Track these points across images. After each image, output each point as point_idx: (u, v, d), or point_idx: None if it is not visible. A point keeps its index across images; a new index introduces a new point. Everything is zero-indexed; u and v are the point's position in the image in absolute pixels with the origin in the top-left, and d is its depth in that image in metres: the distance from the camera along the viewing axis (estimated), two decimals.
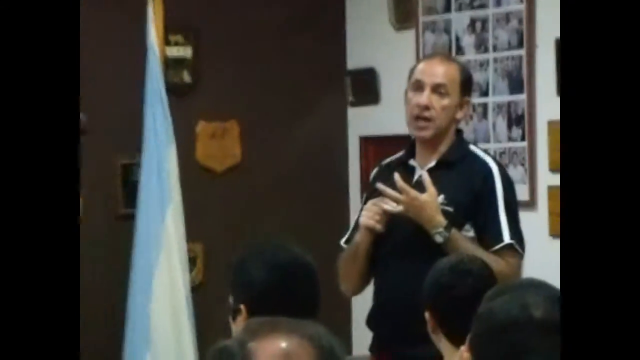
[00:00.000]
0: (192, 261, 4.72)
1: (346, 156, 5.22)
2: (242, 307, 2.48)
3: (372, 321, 3.39)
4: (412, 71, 3.35)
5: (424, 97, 3.25)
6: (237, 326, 2.46)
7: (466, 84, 3.33)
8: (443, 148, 3.30)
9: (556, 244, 4.39)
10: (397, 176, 3.23)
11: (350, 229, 3.46)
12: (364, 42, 5.14)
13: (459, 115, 3.32)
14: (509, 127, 4.58)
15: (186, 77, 4.95)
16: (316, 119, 5.14)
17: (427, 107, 3.25)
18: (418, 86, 3.28)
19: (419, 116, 3.26)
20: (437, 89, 3.26)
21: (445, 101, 3.27)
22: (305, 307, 2.38)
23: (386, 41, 5.00)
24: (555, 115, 4.41)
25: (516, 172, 4.48)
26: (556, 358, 1.69)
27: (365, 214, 3.28)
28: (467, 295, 2.61)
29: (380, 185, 3.26)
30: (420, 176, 3.27)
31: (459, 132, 3.38)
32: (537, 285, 1.89)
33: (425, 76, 3.28)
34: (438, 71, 3.28)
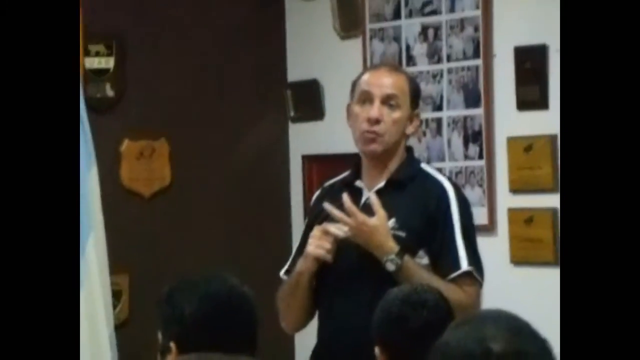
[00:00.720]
0: (116, 295, 4.67)
1: (287, 176, 5.22)
2: (171, 344, 2.46)
3: (316, 359, 3.38)
4: (356, 83, 3.36)
5: (375, 110, 3.26)
6: None
7: (415, 96, 3.35)
8: (392, 167, 3.31)
9: (518, 271, 4.43)
10: (345, 197, 3.23)
11: (291, 258, 3.44)
12: (306, 51, 5.15)
13: (409, 130, 3.33)
14: (465, 144, 4.61)
15: (109, 90, 4.91)
16: (254, 136, 5.14)
17: (377, 121, 3.25)
18: (366, 98, 3.29)
19: (368, 130, 3.27)
20: (387, 100, 3.28)
21: (396, 114, 3.28)
22: (242, 343, 2.37)
23: (330, 51, 5.02)
24: (515, 131, 4.46)
25: (474, 194, 4.51)
26: None
27: (312, 242, 3.27)
28: (421, 329, 2.62)
29: (327, 205, 3.26)
30: (368, 198, 3.27)
31: (409, 149, 3.39)
32: (497, 316, 1.90)
33: (374, 87, 3.29)
34: (387, 82, 3.29)
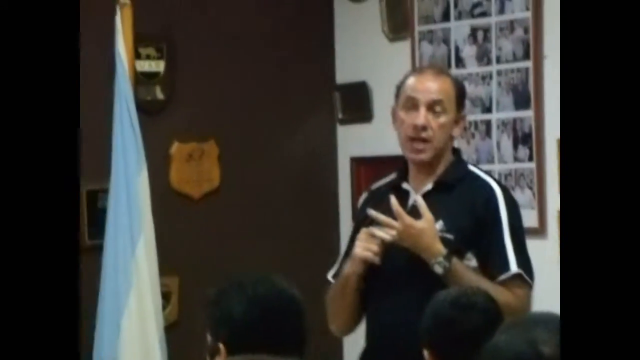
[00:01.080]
0: (165, 297, 4.70)
1: (336, 179, 5.22)
2: (220, 345, 2.48)
3: None
4: (400, 87, 3.34)
5: (421, 117, 3.24)
6: None
7: (461, 98, 3.33)
8: (440, 169, 3.30)
9: None
10: (393, 199, 3.22)
11: (339, 261, 3.44)
12: (355, 53, 5.15)
13: (456, 132, 3.32)
14: (515, 146, 4.59)
15: (159, 93, 4.94)
16: (303, 138, 5.15)
17: (424, 128, 3.24)
18: (412, 105, 3.27)
19: (415, 138, 3.25)
20: (432, 106, 3.26)
21: (442, 119, 3.26)
22: (291, 345, 2.37)
23: (379, 53, 5.02)
24: None
25: (523, 196, 4.49)
26: None
27: (360, 244, 3.26)
28: (470, 332, 2.61)
29: (371, 211, 3.25)
30: (415, 201, 3.26)
31: (456, 151, 3.37)
32: (547, 320, 1.89)
33: (419, 93, 3.27)
34: (432, 87, 3.27)
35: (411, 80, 3.32)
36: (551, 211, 4.48)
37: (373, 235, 3.24)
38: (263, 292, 2.51)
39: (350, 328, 3.42)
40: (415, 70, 3.38)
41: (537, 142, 4.52)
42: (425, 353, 2.71)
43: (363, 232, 3.27)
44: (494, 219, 3.23)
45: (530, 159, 4.54)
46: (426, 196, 3.27)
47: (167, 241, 4.62)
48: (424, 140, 3.25)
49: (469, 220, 3.24)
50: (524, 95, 4.56)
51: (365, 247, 3.25)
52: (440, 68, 3.43)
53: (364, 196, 3.50)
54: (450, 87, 3.30)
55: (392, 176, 3.41)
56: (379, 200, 3.31)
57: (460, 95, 3.33)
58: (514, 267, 3.21)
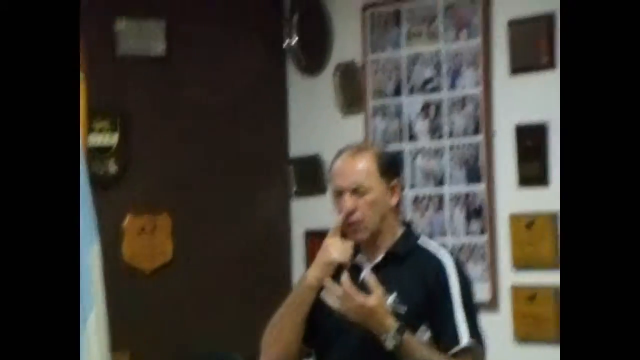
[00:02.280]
0: None
1: (290, 252, 5.20)
2: None
3: None
4: (330, 170, 3.36)
5: (347, 203, 3.26)
6: None
7: (388, 168, 3.33)
8: (389, 241, 3.30)
9: (522, 349, 4.37)
10: (344, 279, 3.19)
11: None
12: (308, 127, 5.16)
13: (393, 201, 3.31)
14: (468, 219, 4.60)
15: (112, 166, 4.91)
16: (257, 211, 5.12)
17: (351, 212, 3.26)
18: (338, 193, 3.31)
19: (348, 223, 3.27)
20: (356, 190, 3.27)
21: (369, 197, 3.28)
22: None
23: (332, 126, 5.03)
24: (517, 207, 4.44)
25: (476, 269, 4.48)
26: None
27: (333, 249, 3.24)
28: None
29: (323, 296, 3.22)
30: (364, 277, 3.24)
31: (408, 224, 3.37)
32: None
33: (340, 180, 3.30)
34: (350, 171, 3.29)
35: (334, 167, 3.35)
36: (503, 285, 4.47)
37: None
38: None
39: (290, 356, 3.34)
40: (338, 152, 3.38)
41: (489, 216, 4.53)
42: None
43: (333, 235, 3.24)
44: (445, 291, 3.22)
45: (483, 232, 4.54)
46: (377, 268, 3.27)
47: (119, 316, 4.54)
48: (357, 223, 3.25)
49: (421, 293, 3.23)
50: (476, 170, 4.57)
51: (342, 252, 3.24)
52: (358, 146, 3.42)
53: None
54: (371, 164, 3.30)
55: None
56: (333, 273, 3.29)
57: (386, 166, 3.33)
58: (465, 340, 3.20)
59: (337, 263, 3.25)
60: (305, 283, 3.28)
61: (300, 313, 3.28)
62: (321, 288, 3.25)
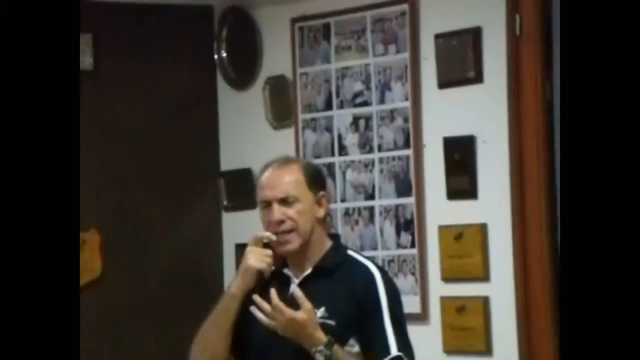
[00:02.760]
0: None
1: (221, 266, 5.17)
2: None
3: None
4: (257, 183, 3.36)
5: (275, 214, 3.27)
6: None
7: (314, 181, 3.34)
8: (317, 254, 3.31)
9: None
10: (273, 294, 3.19)
11: None
12: (239, 141, 5.15)
13: (320, 213, 3.32)
14: (398, 232, 4.62)
15: None
16: (188, 225, 5.10)
17: (281, 221, 3.25)
18: (266, 204, 3.31)
19: (275, 232, 3.27)
20: (284, 200, 3.28)
21: (298, 207, 3.29)
22: None
23: (263, 140, 5.02)
24: (446, 219, 4.46)
25: (406, 282, 4.50)
26: None
27: (252, 257, 3.25)
28: None
29: (257, 298, 3.21)
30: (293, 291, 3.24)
31: (335, 236, 3.38)
32: None
33: (268, 192, 3.31)
34: (278, 182, 3.30)
35: (261, 180, 3.36)
36: (433, 297, 4.49)
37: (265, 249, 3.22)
38: None
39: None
40: (264, 166, 3.39)
41: (418, 229, 4.55)
42: None
43: (253, 244, 3.24)
44: (374, 304, 3.24)
45: (413, 245, 4.55)
46: (306, 281, 3.28)
47: None
48: (287, 232, 3.25)
49: (350, 306, 3.25)
50: (405, 183, 4.59)
51: (260, 259, 3.23)
52: (285, 159, 3.44)
53: None
54: (298, 175, 3.32)
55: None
56: (262, 286, 3.28)
57: (313, 178, 3.34)
58: (394, 351, 3.23)
59: (256, 270, 3.25)
60: (228, 293, 3.29)
61: (225, 322, 3.28)
62: (246, 298, 3.25)
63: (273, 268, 3.26)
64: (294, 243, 3.27)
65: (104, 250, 4.94)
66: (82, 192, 4.85)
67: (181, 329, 4.96)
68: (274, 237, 3.23)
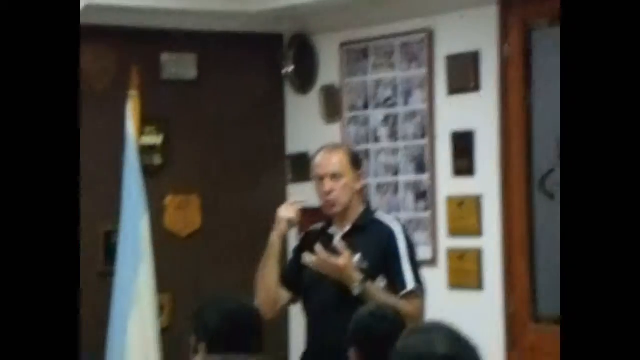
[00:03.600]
0: (160, 309, 4.63)
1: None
2: (201, 345, 2.44)
3: (305, 359, 3.35)
4: (312, 162, 3.38)
5: (326, 186, 3.29)
6: None
7: (355, 162, 3.37)
8: (354, 216, 3.34)
9: (454, 294, 4.40)
10: (318, 248, 3.24)
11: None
12: (301, 132, 5.16)
13: (357, 186, 3.35)
14: (416, 200, 4.61)
15: (157, 159, 4.92)
16: (263, 193, 5.13)
17: (329, 193, 3.27)
18: (319, 178, 3.33)
19: (326, 200, 3.29)
20: (332, 176, 3.29)
21: (342, 182, 3.32)
22: (252, 346, 2.35)
23: (318, 131, 5.02)
24: (452, 191, 4.46)
25: (421, 236, 4.50)
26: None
27: (283, 208, 3.31)
28: (384, 336, 2.60)
29: (305, 258, 3.24)
30: (336, 242, 3.28)
31: (367, 202, 3.41)
32: (440, 327, 1.89)
33: (321, 168, 3.34)
34: (329, 162, 3.33)
35: (317, 159, 3.39)
36: (442, 248, 4.48)
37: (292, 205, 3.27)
38: (232, 307, 2.50)
39: (274, 302, 3.34)
40: (318, 150, 3.42)
41: (431, 198, 4.53)
42: (351, 353, 2.69)
43: (285, 203, 3.32)
44: (395, 250, 3.27)
45: (426, 210, 4.54)
46: (345, 236, 3.31)
47: (162, 267, 4.56)
48: (333, 201, 3.26)
49: (378, 253, 3.28)
50: (422, 164, 4.58)
51: (287, 211, 3.31)
52: (334, 145, 3.47)
53: (302, 236, 3.52)
54: (343, 157, 3.35)
55: (322, 223, 3.42)
56: (312, 240, 3.33)
57: (354, 160, 3.38)
58: (410, 285, 3.25)
59: (286, 218, 3.27)
60: (270, 241, 3.32)
61: (271, 261, 3.32)
62: (299, 251, 3.25)
63: (298, 219, 3.27)
64: (337, 207, 3.31)
65: (203, 210, 4.97)
66: (188, 168, 4.96)
67: (256, 270, 5.00)
68: (300, 204, 3.27)
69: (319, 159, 3.37)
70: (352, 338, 2.71)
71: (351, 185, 3.32)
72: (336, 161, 3.33)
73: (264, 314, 3.41)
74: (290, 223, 3.31)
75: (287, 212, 3.30)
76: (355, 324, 2.72)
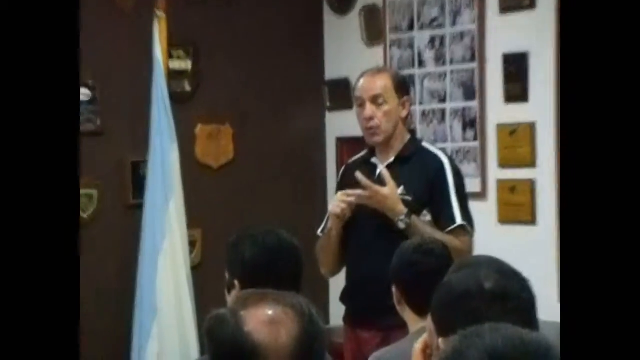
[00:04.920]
0: (192, 244, 4.71)
1: (324, 154, 5.22)
2: (236, 282, 2.49)
3: (346, 297, 3.40)
4: (354, 88, 3.36)
5: (367, 111, 3.27)
6: (232, 298, 2.47)
7: (400, 86, 3.33)
8: (398, 146, 3.31)
9: (503, 229, 4.42)
10: (358, 174, 3.23)
11: (325, 220, 3.44)
12: (340, 56, 5.14)
13: (403, 114, 3.32)
14: (464, 129, 4.59)
15: (187, 86, 4.92)
16: (299, 122, 5.14)
17: (371, 118, 3.25)
18: (361, 102, 3.31)
19: (367, 127, 3.27)
20: (375, 100, 3.28)
21: (385, 108, 3.28)
22: (289, 282, 2.39)
23: (359, 55, 5.00)
24: (502, 119, 4.44)
25: (470, 168, 4.49)
26: (505, 322, 1.68)
27: (333, 204, 3.27)
28: (429, 271, 2.62)
29: (358, 174, 3.25)
30: (380, 172, 3.27)
31: (412, 131, 3.39)
32: (488, 261, 1.91)
33: (363, 92, 3.30)
34: (371, 85, 3.29)
35: (358, 83, 3.36)
36: (491, 180, 4.49)
37: (346, 195, 3.24)
38: (269, 241, 2.52)
39: (336, 270, 3.43)
40: (361, 74, 3.38)
41: (480, 126, 4.52)
42: (394, 288, 2.72)
43: (338, 194, 3.28)
44: (442, 183, 3.24)
45: (475, 139, 4.53)
46: (389, 167, 3.29)
47: (193, 201, 4.62)
48: (374, 128, 3.26)
49: (424, 185, 3.25)
50: (471, 89, 4.56)
51: (336, 205, 3.26)
52: (379, 68, 3.43)
53: (343, 169, 3.51)
54: (388, 81, 3.31)
55: (364, 153, 3.42)
56: (354, 171, 3.32)
57: (399, 85, 3.33)
58: (459, 220, 3.24)
59: (334, 214, 3.25)
60: (327, 229, 3.32)
61: (330, 247, 3.32)
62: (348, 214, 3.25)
63: (348, 212, 3.23)
64: (379, 137, 3.29)
65: (236, 140, 5.00)
66: (220, 95, 4.98)
67: (292, 202, 5.09)
68: (355, 200, 3.19)
69: (361, 82, 3.35)
70: (395, 274, 2.74)
71: (396, 112, 3.30)
72: (380, 85, 3.30)
73: (327, 276, 3.48)
74: (341, 219, 3.27)
75: (334, 207, 3.27)
76: (398, 259, 2.75)
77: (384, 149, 3.32)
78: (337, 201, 3.27)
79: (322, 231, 3.41)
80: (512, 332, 1.41)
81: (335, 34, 5.18)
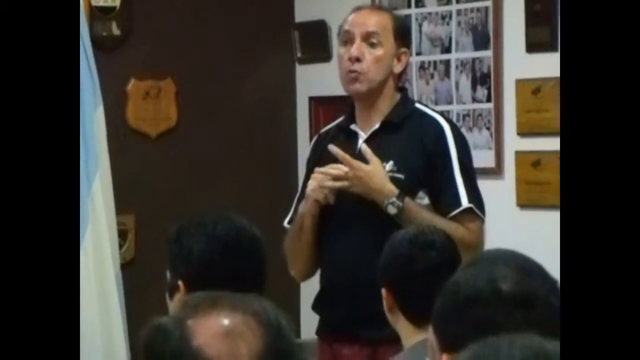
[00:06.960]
0: (122, 235, 4.70)
1: (294, 119, 5.23)
2: (180, 282, 2.49)
3: (319, 304, 3.40)
4: (341, 26, 3.34)
5: (355, 49, 3.24)
6: (175, 304, 2.47)
7: (401, 33, 3.32)
8: (385, 108, 3.30)
9: (524, 214, 4.45)
10: (332, 147, 3.21)
11: (293, 207, 3.44)
12: None
13: (397, 68, 3.30)
14: (474, 86, 4.61)
15: (115, 29, 4.91)
16: (261, 77, 5.14)
17: (357, 59, 3.23)
18: (348, 38, 3.29)
19: (350, 70, 3.25)
20: (367, 38, 3.25)
21: (378, 52, 3.26)
22: (250, 282, 2.39)
23: None
24: (524, 73, 4.45)
25: (481, 137, 4.52)
26: (526, 334, 1.70)
27: (313, 184, 3.26)
28: (429, 270, 2.64)
29: (332, 147, 3.24)
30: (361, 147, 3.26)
31: (403, 89, 3.37)
32: (506, 257, 1.90)
33: (354, 26, 3.28)
34: (368, 20, 3.28)
35: (349, 17, 3.33)
36: (508, 151, 4.51)
37: (326, 175, 3.23)
38: (223, 230, 2.52)
39: (310, 271, 3.42)
40: (355, 8, 3.37)
41: (495, 83, 4.54)
42: (384, 291, 2.73)
43: (316, 171, 3.26)
44: (443, 156, 3.24)
45: (489, 99, 4.55)
46: (374, 136, 3.28)
47: (124, 179, 4.62)
48: (359, 72, 3.23)
49: (419, 159, 3.25)
50: (484, 35, 4.57)
51: (317, 189, 3.24)
52: (379, 6, 3.43)
53: (314, 140, 3.51)
54: (387, 21, 3.29)
55: (340, 119, 3.41)
56: (328, 144, 3.30)
57: (401, 30, 3.32)
58: (465, 202, 3.23)
59: (313, 198, 3.24)
60: (299, 215, 3.31)
61: (303, 238, 3.31)
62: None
63: (332, 198, 3.23)
64: (362, 84, 3.25)
65: (179, 100, 5.00)
66: (159, 41, 4.96)
67: (253, 177, 5.09)
68: (337, 184, 3.20)
69: (353, 16, 3.33)
70: (385, 273, 2.76)
71: (389, 62, 3.29)
72: (377, 21, 3.28)
73: (299, 279, 3.47)
74: (320, 204, 3.26)
75: (315, 190, 3.25)
76: (389, 255, 2.76)
77: (367, 110, 3.30)
78: (315, 184, 3.25)
79: (290, 222, 3.40)
80: (537, 345, 1.42)
81: None
